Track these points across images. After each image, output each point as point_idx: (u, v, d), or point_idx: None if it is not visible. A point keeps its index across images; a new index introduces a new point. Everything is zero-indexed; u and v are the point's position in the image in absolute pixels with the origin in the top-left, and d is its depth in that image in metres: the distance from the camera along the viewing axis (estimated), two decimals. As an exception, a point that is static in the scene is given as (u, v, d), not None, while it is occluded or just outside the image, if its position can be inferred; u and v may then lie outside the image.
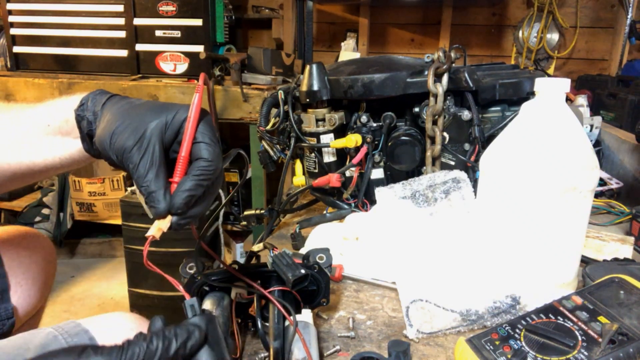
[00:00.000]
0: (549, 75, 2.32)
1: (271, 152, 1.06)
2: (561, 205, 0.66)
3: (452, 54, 0.92)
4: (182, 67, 2.16)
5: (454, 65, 0.93)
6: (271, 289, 0.60)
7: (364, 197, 1.01)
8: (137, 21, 2.15)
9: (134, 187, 0.65)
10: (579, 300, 0.60)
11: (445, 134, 0.95)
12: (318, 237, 0.90)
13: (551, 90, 0.66)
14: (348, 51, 2.86)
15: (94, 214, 2.58)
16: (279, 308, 0.57)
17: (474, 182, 0.85)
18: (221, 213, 2.26)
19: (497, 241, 0.73)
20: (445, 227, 0.81)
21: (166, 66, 2.17)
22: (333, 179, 0.97)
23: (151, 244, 0.46)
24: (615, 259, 0.81)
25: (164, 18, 2.12)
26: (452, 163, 0.97)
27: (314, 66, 0.98)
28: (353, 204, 1.02)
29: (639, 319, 0.55)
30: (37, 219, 2.57)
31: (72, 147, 0.57)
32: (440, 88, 0.90)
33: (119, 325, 0.70)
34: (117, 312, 0.73)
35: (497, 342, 0.55)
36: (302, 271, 0.59)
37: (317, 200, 1.15)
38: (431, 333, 0.65)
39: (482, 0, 2.82)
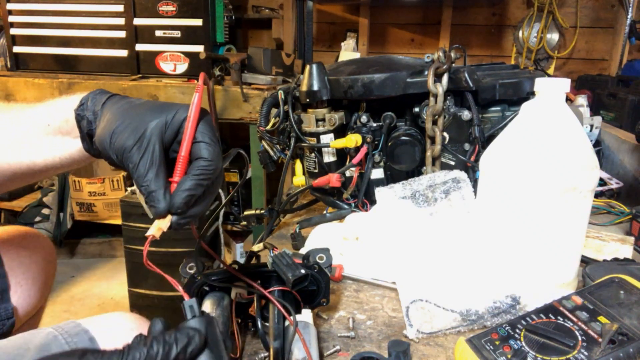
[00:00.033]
0: (549, 75, 2.32)
1: (271, 152, 1.06)
2: (561, 205, 0.66)
3: (452, 54, 0.92)
4: (182, 67, 2.16)
5: (454, 65, 0.93)
6: (271, 289, 0.60)
7: (364, 197, 1.01)
8: (137, 21, 2.15)
9: (134, 187, 0.65)
10: (579, 300, 0.60)
11: (445, 134, 0.95)
12: (318, 237, 0.90)
13: (551, 90, 0.66)
14: (348, 51, 2.86)
15: (94, 214, 2.58)
16: (279, 308, 0.57)
17: (474, 182, 0.85)
18: (221, 213, 2.26)
19: (497, 241, 0.73)
20: (445, 227, 0.81)
21: (166, 66, 2.17)
22: (333, 179, 0.97)
23: (151, 244, 0.46)
24: (615, 259, 0.81)
25: (164, 18, 2.12)
26: (452, 163, 0.97)
27: (314, 66, 0.98)
28: (353, 204, 1.02)
29: (639, 319, 0.55)
30: (37, 219, 2.57)
31: (72, 146, 0.57)
32: (440, 88, 0.90)
33: (119, 325, 0.70)
34: (117, 312, 0.73)
35: (497, 342, 0.55)
36: (302, 271, 0.59)
37: (317, 200, 1.15)
38: (431, 333, 0.65)
39: (482, 0, 2.82)
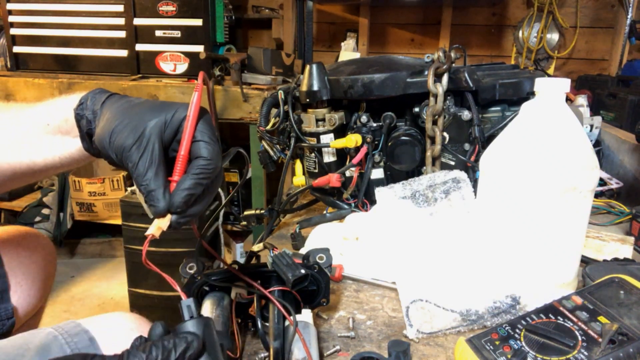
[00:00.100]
0: (549, 75, 2.32)
1: (271, 152, 1.06)
2: (561, 205, 0.66)
3: (452, 54, 0.92)
4: (182, 67, 2.16)
5: (454, 65, 0.93)
6: (271, 289, 0.60)
7: (364, 197, 1.01)
8: (137, 21, 2.15)
9: (134, 187, 0.65)
10: (579, 300, 0.60)
11: (445, 134, 0.95)
12: (318, 237, 0.90)
13: (551, 90, 0.66)
14: (348, 51, 2.86)
15: (94, 214, 2.58)
16: (279, 308, 0.57)
17: (474, 182, 0.85)
18: (221, 213, 2.26)
19: (497, 241, 0.73)
20: (445, 227, 0.81)
21: (166, 66, 2.17)
22: (333, 179, 0.97)
23: (151, 244, 0.46)
24: (615, 259, 0.81)
25: (164, 18, 2.12)
26: (452, 163, 0.97)
27: (314, 66, 0.98)
28: (353, 204, 1.02)
29: (639, 319, 0.55)
30: (37, 219, 2.57)
31: (71, 146, 0.57)
32: (440, 88, 0.90)
33: (119, 325, 0.70)
34: (117, 312, 0.73)
35: (497, 342, 0.55)
36: (302, 271, 0.59)
37: (317, 200, 1.15)
38: (431, 333, 0.65)
39: (482, 0, 2.82)
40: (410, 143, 0.97)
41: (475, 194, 0.80)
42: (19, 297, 0.84)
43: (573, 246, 0.70)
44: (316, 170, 1.05)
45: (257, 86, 2.05)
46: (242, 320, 0.66)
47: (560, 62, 2.84)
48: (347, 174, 1.01)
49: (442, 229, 0.80)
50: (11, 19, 2.28)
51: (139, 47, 2.18)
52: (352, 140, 0.96)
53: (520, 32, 2.77)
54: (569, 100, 1.60)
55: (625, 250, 0.87)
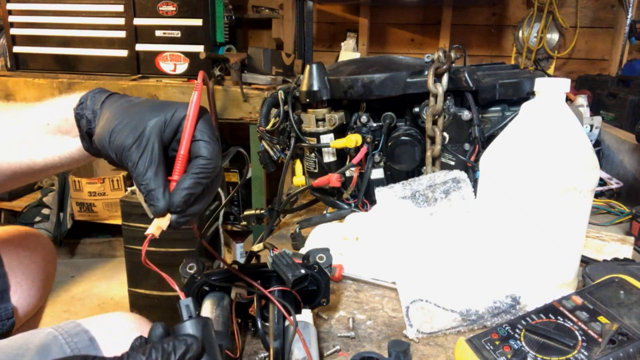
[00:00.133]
0: (549, 75, 2.32)
1: (271, 152, 1.06)
2: (561, 205, 0.66)
3: (452, 54, 0.92)
4: (182, 67, 2.16)
5: (454, 65, 0.93)
6: (271, 289, 0.60)
7: (364, 197, 1.01)
8: (137, 21, 2.15)
9: (134, 187, 0.65)
10: (579, 300, 0.60)
11: (445, 134, 0.95)
12: (318, 237, 0.90)
13: (551, 90, 0.66)
14: (348, 51, 2.86)
15: (94, 214, 2.58)
16: (279, 308, 0.57)
17: (474, 182, 0.85)
18: (221, 213, 2.26)
19: (497, 241, 0.73)
20: (445, 227, 0.81)
21: (166, 66, 2.17)
22: (333, 179, 0.97)
23: (151, 244, 0.46)
24: (615, 259, 0.81)
25: (164, 18, 2.12)
26: (452, 163, 0.97)
27: (314, 66, 0.98)
28: (353, 204, 1.02)
29: (639, 319, 0.55)
30: (37, 219, 2.57)
31: (71, 145, 0.57)
32: (440, 88, 0.90)
33: (119, 325, 0.70)
34: (117, 312, 0.73)
35: (497, 342, 0.55)
36: (302, 271, 0.59)
37: (317, 200, 1.15)
38: (431, 333, 0.65)
39: (482, 0, 2.82)
40: (410, 143, 0.97)
41: (475, 194, 0.80)
42: (19, 297, 0.84)
43: (573, 246, 0.70)
44: (316, 170, 1.05)
45: (257, 86, 2.05)
46: (242, 320, 0.66)
47: (560, 62, 2.84)
48: (347, 174, 1.01)
49: (442, 229, 0.80)
50: (11, 19, 2.28)
51: (139, 47, 2.18)
52: (352, 140, 0.96)
53: (520, 32, 2.77)
54: (569, 100, 1.60)
55: (625, 250, 0.87)
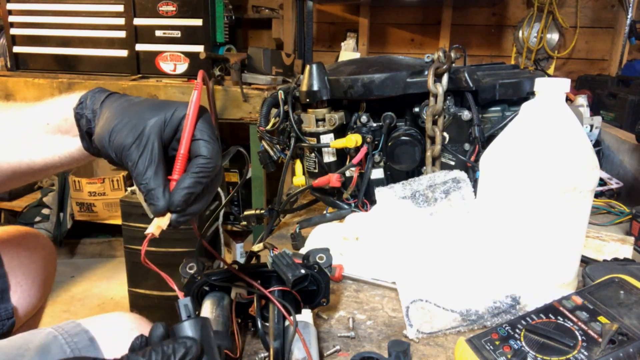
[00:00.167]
0: (549, 75, 2.32)
1: (271, 152, 1.06)
2: (561, 205, 0.66)
3: (452, 54, 0.92)
4: (182, 67, 2.16)
5: (454, 65, 0.93)
6: (271, 289, 0.60)
7: (364, 197, 1.01)
8: (137, 21, 2.15)
9: (134, 187, 0.65)
10: (579, 300, 0.60)
11: (445, 134, 0.95)
12: (318, 237, 0.90)
13: (551, 90, 0.66)
14: (348, 51, 2.86)
15: (94, 214, 2.58)
16: (279, 308, 0.57)
17: (474, 182, 0.85)
18: (221, 213, 2.26)
19: (497, 241, 0.73)
20: (445, 227, 0.81)
21: (166, 66, 2.17)
22: (333, 179, 0.97)
23: (151, 244, 0.46)
24: (615, 259, 0.81)
25: (164, 18, 2.12)
26: (452, 163, 0.97)
27: (314, 66, 0.98)
28: (353, 204, 1.01)
29: (639, 319, 0.55)
30: (37, 219, 2.57)
31: (71, 145, 0.57)
32: (440, 88, 0.90)
33: (119, 325, 0.70)
34: (117, 312, 0.73)
35: (497, 342, 0.55)
36: (302, 271, 0.59)
37: (317, 200, 1.15)
38: (431, 333, 0.65)
39: (482, 0, 2.82)
40: (410, 143, 0.97)
41: (475, 194, 0.80)
42: (19, 297, 0.84)
43: (573, 246, 0.70)
44: (316, 170, 1.05)
45: (257, 86, 2.05)
46: (242, 320, 0.66)
47: (560, 62, 2.84)
48: (347, 174, 1.01)
49: (442, 229, 0.80)
50: (11, 19, 2.28)
51: (139, 47, 2.18)
52: (352, 140, 0.96)
53: (520, 32, 2.77)
54: (569, 100, 1.60)
55: (625, 250, 0.87)
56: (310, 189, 1.06)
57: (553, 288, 0.70)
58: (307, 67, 0.99)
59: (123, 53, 2.20)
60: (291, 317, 0.55)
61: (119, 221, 2.09)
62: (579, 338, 0.54)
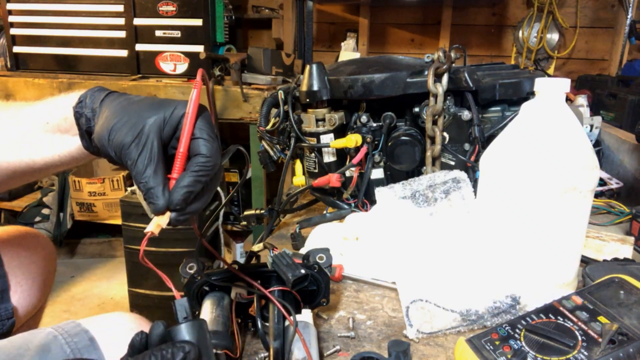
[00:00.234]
0: (549, 75, 2.32)
1: (271, 152, 1.06)
2: (561, 205, 0.66)
3: (452, 54, 0.92)
4: (182, 67, 2.16)
5: (454, 65, 0.93)
6: (271, 289, 0.60)
7: (364, 197, 1.01)
8: (137, 21, 2.15)
9: (134, 187, 0.65)
10: (579, 300, 0.60)
11: (445, 134, 0.95)
12: (318, 237, 0.90)
13: (551, 90, 0.66)
14: (348, 51, 2.86)
15: (94, 214, 2.58)
16: (279, 308, 0.57)
17: (474, 182, 0.85)
18: (221, 213, 2.26)
19: (497, 241, 0.73)
20: (445, 227, 0.81)
21: (166, 66, 2.17)
22: (333, 179, 0.97)
23: (151, 243, 0.46)
24: (615, 259, 0.81)
25: (164, 18, 2.12)
26: (452, 163, 0.97)
27: (314, 66, 0.98)
28: (353, 204, 1.01)
29: (639, 319, 0.55)
30: (37, 219, 2.57)
31: (71, 144, 0.57)
32: (440, 88, 0.90)
33: (119, 325, 0.70)
34: (117, 312, 0.73)
35: (497, 342, 0.55)
36: (302, 271, 0.59)
37: (317, 200, 1.15)
38: (431, 333, 0.65)
39: (482, 0, 2.82)
40: (410, 143, 0.97)
41: (475, 194, 0.80)
42: (19, 297, 0.84)
43: (573, 246, 0.70)
44: (316, 170, 1.05)
45: (257, 86, 2.05)
46: (242, 320, 0.66)
47: (560, 62, 2.84)
48: (347, 174, 1.01)
49: (442, 229, 0.80)
50: (11, 19, 2.28)
51: (139, 47, 2.18)
52: (352, 140, 0.96)
53: (520, 32, 2.77)
54: (569, 100, 1.60)
55: (625, 250, 0.87)
56: (310, 189, 1.06)
57: (553, 288, 0.70)
58: (307, 67, 0.99)
59: (123, 53, 2.20)
60: (291, 317, 0.55)
61: (119, 221, 2.09)
62: (579, 338, 0.54)
